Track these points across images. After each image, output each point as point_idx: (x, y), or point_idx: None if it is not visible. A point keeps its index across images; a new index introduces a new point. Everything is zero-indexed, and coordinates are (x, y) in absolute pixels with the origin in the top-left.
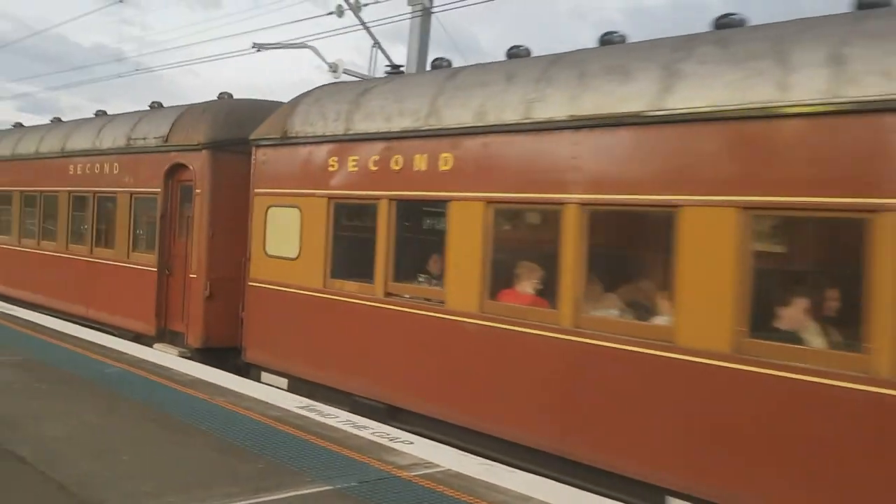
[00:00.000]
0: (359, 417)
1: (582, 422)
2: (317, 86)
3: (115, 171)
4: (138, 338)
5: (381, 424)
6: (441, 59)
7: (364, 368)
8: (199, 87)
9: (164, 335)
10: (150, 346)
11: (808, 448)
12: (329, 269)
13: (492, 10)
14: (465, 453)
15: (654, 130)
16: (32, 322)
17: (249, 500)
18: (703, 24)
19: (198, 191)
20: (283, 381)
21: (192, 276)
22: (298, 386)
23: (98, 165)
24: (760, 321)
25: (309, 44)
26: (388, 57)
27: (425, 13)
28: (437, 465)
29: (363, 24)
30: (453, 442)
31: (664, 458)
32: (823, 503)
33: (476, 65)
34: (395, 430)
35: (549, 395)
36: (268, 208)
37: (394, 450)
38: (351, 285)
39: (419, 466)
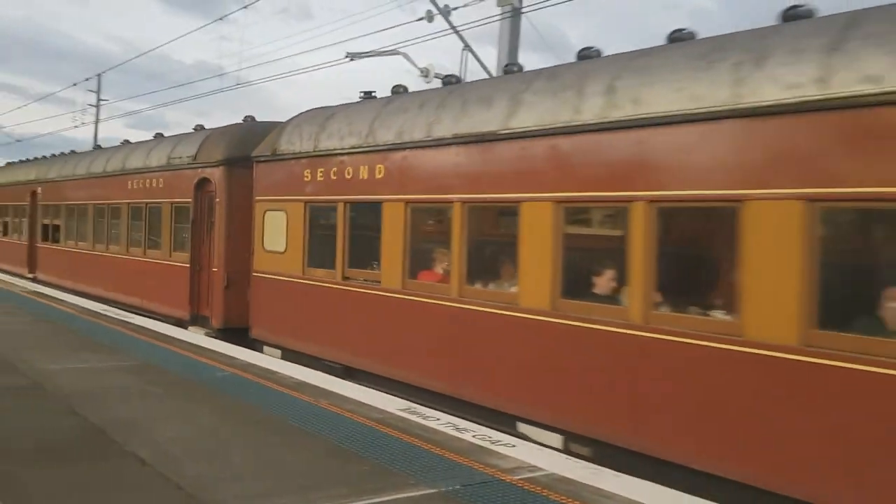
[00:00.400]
0: (460, 420)
1: (462, 368)
2: (300, 112)
3: (160, 185)
4: (179, 322)
5: (482, 427)
6: (398, 85)
7: (329, 338)
8: (293, 97)
9: (197, 319)
10: (186, 328)
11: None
12: (306, 259)
13: (582, 6)
14: (570, 456)
15: (504, 144)
16: (144, 327)
17: (358, 501)
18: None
19: (217, 199)
20: (278, 353)
21: (214, 270)
22: (288, 356)
23: (148, 181)
24: (574, 287)
25: (400, 50)
26: (478, 59)
27: (515, 14)
28: (541, 469)
29: (453, 27)
30: (381, 389)
31: (512, 393)
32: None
33: (405, 93)
34: (497, 432)
35: (441, 348)
36: (265, 212)
37: (496, 452)
38: (320, 272)
39: (522, 470)
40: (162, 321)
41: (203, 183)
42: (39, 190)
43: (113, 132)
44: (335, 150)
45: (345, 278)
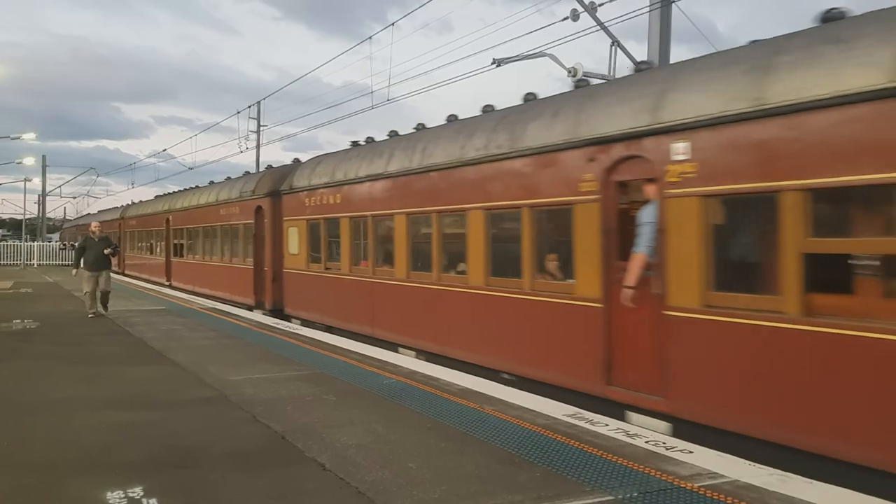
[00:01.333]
0: (629, 425)
1: (378, 318)
2: (308, 160)
3: (237, 212)
4: (249, 308)
5: (654, 432)
6: (370, 138)
7: (320, 308)
8: (437, 109)
9: (258, 304)
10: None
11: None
12: (307, 258)
13: None
14: (753, 463)
15: (433, 174)
16: (314, 339)
17: None
18: None
19: (266, 220)
20: (298, 322)
21: (265, 269)
22: (305, 323)
23: (229, 208)
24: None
25: (547, 52)
26: (627, 54)
27: (665, 4)
28: (723, 476)
29: (599, 23)
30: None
31: (404, 332)
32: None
33: (359, 147)
34: (672, 438)
35: (365, 307)
36: (287, 228)
37: (673, 459)
38: (314, 266)
39: (703, 477)
40: (237, 307)
41: (259, 209)
42: (170, 217)
43: (273, 155)
44: (319, 185)
45: (325, 269)
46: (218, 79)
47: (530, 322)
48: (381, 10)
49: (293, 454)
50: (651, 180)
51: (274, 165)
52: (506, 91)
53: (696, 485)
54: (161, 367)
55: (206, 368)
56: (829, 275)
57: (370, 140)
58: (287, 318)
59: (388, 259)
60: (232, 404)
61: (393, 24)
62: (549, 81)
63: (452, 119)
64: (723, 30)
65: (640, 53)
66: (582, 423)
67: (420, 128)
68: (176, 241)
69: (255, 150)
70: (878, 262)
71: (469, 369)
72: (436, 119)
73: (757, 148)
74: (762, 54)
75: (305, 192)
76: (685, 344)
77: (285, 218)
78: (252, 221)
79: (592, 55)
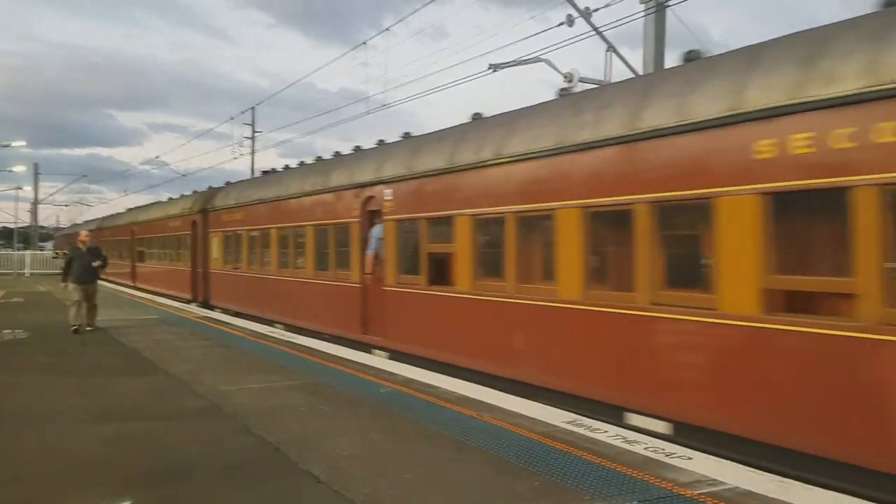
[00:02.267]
0: (629, 432)
1: (262, 303)
2: (227, 184)
3: (179, 224)
4: (188, 302)
5: (653, 439)
6: (287, 165)
7: (231, 298)
8: (432, 114)
9: (193, 299)
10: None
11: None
12: (223, 261)
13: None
14: (754, 469)
15: (291, 200)
16: (309, 347)
17: None
18: None
19: (199, 232)
20: (219, 310)
21: (199, 270)
22: (224, 311)
23: (175, 222)
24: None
25: (542, 57)
26: (623, 60)
27: (659, 9)
28: (723, 483)
29: (595, 28)
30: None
31: (279, 313)
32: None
33: (263, 176)
34: (671, 444)
35: (256, 296)
36: (212, 238)
37: (672, 466)
38: (227, 266)
39: (703, 484)
40: (180, 301)
41: (194, 223)
42: (135, 228)
43: (269, 162)
44: (229, 206)
45: (234, 269)
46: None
47: (325, 298)
48: (375, 16)
49: (287, 466)
50: (378, 211)
51: (269, 171)
52: (502, 96)
53: (696, 492)
54: (154, 377)
55: (199, 378)
56: (438, 265)
57: (282, 168)
58: (212, 308)
59: (266, 260)
60: (225, 415)
61: (387, 29)
62: (546, 87)
63: (317, 160)
64: (717, 36)
65: (636, 59)
66: (580, 430)
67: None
68: (139, 249)
69: (249, 157)
70: (444, 257)
71: (301, 332)
72: (428, 126)
73: (414, 193)
74: (414, 145)
75: (221, 211)
76: (389, 306)
77: (210, 230)
78: (190, 233)
79: (589, 61)
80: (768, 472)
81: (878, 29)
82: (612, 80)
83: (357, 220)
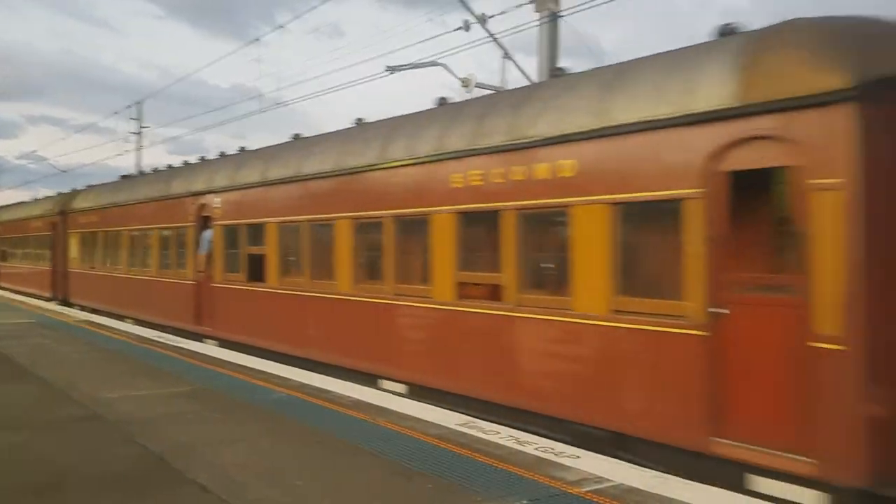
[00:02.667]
0: (521, 433)
1: (115, 299)
2: (85, 187)
3: (41, 225)
4: (48, 300)
5: (543, 439)
6: (133, 173)
7: (87, 295)
8: (328, 115)
9: (53, 297)
10: None
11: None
12: (80, 260)
13: (611, 10)
14: (636, 466)
15: (138, 205)
16: (198, 352)
17: None
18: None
19: (59, 232)
20: (78, 307)
21: (59, 269)
22: (83, 308)
23: (37, 222)
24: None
25: (439, 61)
26: (518, 66)
27: (553, 18)
28: (609, 480)
29: (491, 35)
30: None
31: (127, 307)
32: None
33: (120, 181)
34: (560, 444)
35: (109, 292)
36: (70, 238)
37: (561, 465)
38: (84, 265)
39: (589, 482)
40: (41, 299)
41: (54, 224)
42: None
43: (157, 158)
44: (85, 208)
45: (91, 268)
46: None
47: (166, 294)
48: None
49: (172, 476)
50: (210, 216)
51: (159, 169)
52: (400, 98)
53: (582, 490)
54: (27, 384)
55: (77, 385)
56: (255, 264)
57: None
58: (71, 305)
59: (118, 260)
60: (106, 424)
61: (282, 26)
62: (444, 90)
63: (168, 168)
64: (608, 46)
65: (531, 66)
66: (473, 432)
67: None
68: (2, 248)
69: (135, 153)
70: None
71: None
72: (323, 126)
73: (237, 202)
74: (239, 161)
75: (79, 213)
76: (217, 300)
77: (69, 231)
78: (50, 233)
79: (485, 67)
80: (650, 469)
81: (518, 101)
82: (508, 86)
83: (192, 224)
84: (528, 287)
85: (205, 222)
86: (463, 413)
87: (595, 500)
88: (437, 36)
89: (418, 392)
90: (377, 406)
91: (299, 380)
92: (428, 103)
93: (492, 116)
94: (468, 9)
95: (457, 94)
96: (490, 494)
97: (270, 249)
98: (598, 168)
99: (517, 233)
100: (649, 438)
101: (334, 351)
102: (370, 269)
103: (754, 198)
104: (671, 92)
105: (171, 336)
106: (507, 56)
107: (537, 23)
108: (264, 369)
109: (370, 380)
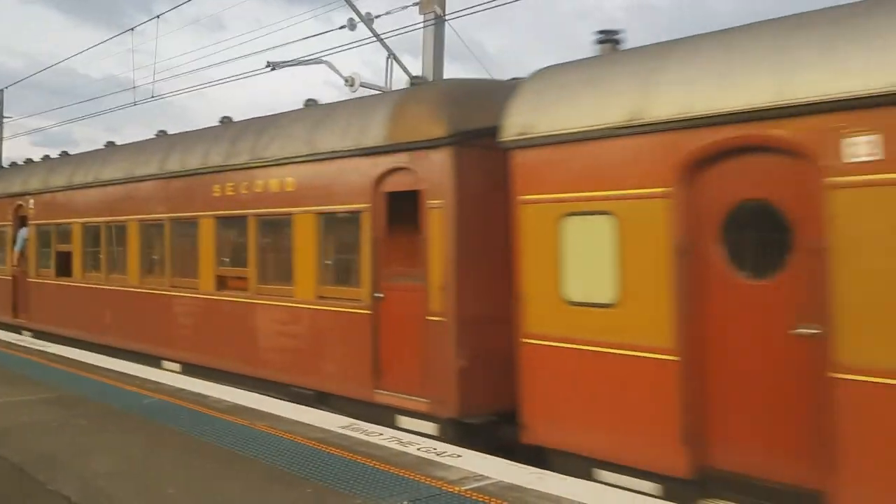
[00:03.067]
0: (403, 434)
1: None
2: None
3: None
4: None
5: (426, 440)
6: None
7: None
8: (206, 109)
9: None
10: None
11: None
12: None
13: (495, 16)
14: (515, 463)
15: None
16: (64, 357)
17: None
18: (704, 17)
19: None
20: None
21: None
22: None
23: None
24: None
25: (324, 59)
26: (403, 67)
27: (438, 21)
28: (488, 478)
29: (376, 35)
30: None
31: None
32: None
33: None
34: (442, 444)
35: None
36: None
37: (442, 464)
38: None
39: (469, 480)
40: None
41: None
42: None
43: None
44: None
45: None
46: None
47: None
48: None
49: (33, 488)
50: (26, 216)
51: (19, 162)
52: (285, 93)
53: (463, 488)
54: None
55: None
56: (64, 261)
57: None
58: None
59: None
60: None
61: (158, 16)
62: (328, 89)
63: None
64: (492, 51)
65: (416, 67)
66: (356, 435)
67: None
68: None
69: None
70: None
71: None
72: (202, 121)
73: (49, 204)
74: (51, 166)
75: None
76: (32, 293)
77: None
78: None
79: (371, 66)
80: (528, 465)
81: (260, 128)
82: (393, 87)
83: (10, 224)
84: (265, 279)
85: (22, 222)
86: (227, 386)
87: (476, 497)
88: (321, 33)
89: (190, 370)
90: (256, 410)
91: (173, 384)
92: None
93: (241, 139)
94: (353, 7)
95: (342, 93)
96: (371, 496)
97: (76, 247)
98: (309, 185)
99: (257, 235)
100: (340, 394)
101: (127, 337)
102: (153, 265)
103: (402, 211)
104: (353, 130)
105: (33, 339)
106: (392, 57)
107: (422, 25)
108: (136, 374)
109: (156, 361)
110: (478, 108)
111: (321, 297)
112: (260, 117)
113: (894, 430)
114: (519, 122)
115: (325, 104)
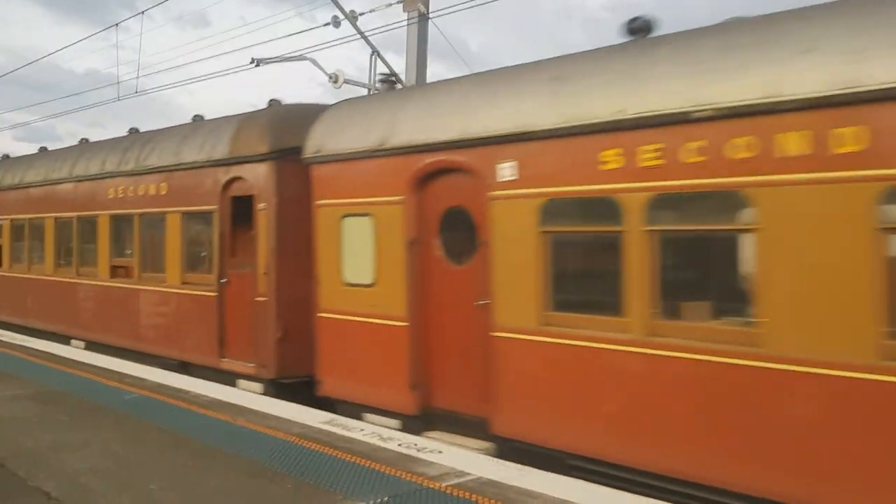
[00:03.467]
0: (384, 430)
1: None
2: None
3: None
4: None
5: (407, 435)
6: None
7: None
8: (193, 105)
9: None
10: None
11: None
12: None
13: (478, 14)
14: (497, 460)
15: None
16: (45, 352)
17: None
18: (685, 15)
19: None
20: None
21: None
22: None
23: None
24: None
25: (308, 56)
26: (387, 65)
27: (422, 19)
28: (469, 474)
29: (360, 32)
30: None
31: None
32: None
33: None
34: (423, 440)
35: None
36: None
37: (423, 460)
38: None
39: (450, 476)
40: None
41: None
42: None
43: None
44: None
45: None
46: None
47: None
48: None
49: (13, 484)
50: None
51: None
52: (269, 89)
53: (443, 484)
54: None
55: None
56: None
57: None
58: None
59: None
60: None
61: (143, 12)
62: (312, 86)
63: None
64: (475, 49)
65: (401, 65)
66: (337, 430)
67: None
68: None
69: None
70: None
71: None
72: (186, 117)
73: None
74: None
75: None
76: None
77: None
78: None
79: (354, 62)
80: (509, 461)
81: (145, 140)
82: (376, 84)
83: None
84: (146, 268)
85: None
86: (119, 359)
87: (456, 493)
88: (305, 31)
89: (92, 347)
90: (237, 405)
91: (155, 380)
92: (298, 96)
93: (131, 149)
94: (337, 5)
95: (327, 90)
96: (351, 492)
97: (5, 242)
98: (177, 190)
99: (141, 231)
100: (197, 363)
101: (45, 320)
102: (65, 257)
103: (243, 212)
104: (206, 146)
105: (13, 333)
106: (376, 54)
107: (406, 23)
108: (117, 369)
109: (66, 340)
110: (296, 131)
111: (185, 283)
112: (149, 131)
113: (521, 370)
114: (315, 143)
115: (191, 123)
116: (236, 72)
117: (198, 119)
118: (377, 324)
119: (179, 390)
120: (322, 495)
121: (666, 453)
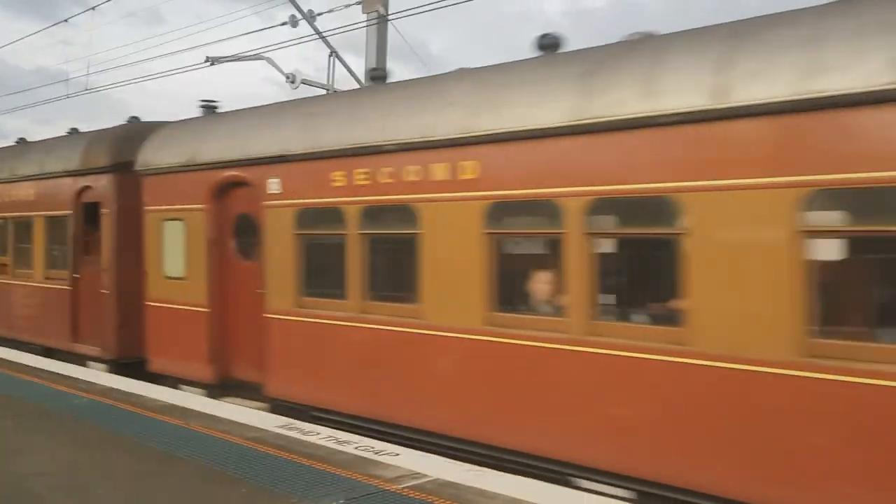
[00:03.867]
0: (341, 433)
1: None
2: None
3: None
4: None
5: (364, 438)
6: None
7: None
8: (147, 103)
9: None
10: None
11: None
12: None
13: (438, 17)
14: (453, 461)
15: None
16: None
17: None
18: (642, 23)
19: None
20: None
21: None
22: None
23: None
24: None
25: (264, 55)
26: (345, 65)
27: (381, 20)
28: (425, 475)
29: (318, 32)
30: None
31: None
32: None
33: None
34: (380, 443)
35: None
36: None
37: (380, 463)
38: None
39: (407, 478)
40: None
41: None
42: None
43: None
44: None
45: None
46: None
47: None
48: None
49: None
50: None
51: None
52: (224, 88)
53: (400, 486)
54: None
55: None
56: None
57: None
58: None
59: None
60: None
61: (93, 8)
62: (268, 85)
63: None
64: (436, 51)
65: (359, 66)
66: (293, 434)
67: None
68: None
69: None
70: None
71: None
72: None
73: None
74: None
75: None
76: None
77: None
78: None
79: (316, 63)
80: (465, 462)
81: (48, 148)
82: (336, 85)
83: None
84: (19, 266)
85: None
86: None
87: (413, 495)
88: (262, 29)
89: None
90: (190, 410)
91: (105, 384)
92: (257, 96)
93: (13, 158)
94: (295, 4)
95: (283, 90)
96: (307, 494)
97: None
98: (42, 196)
99: (15, 232)
100: (57, 348)
101: None
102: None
103: (92, 216)
104: (63, 158)
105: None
106: (334, 55)
107: (365, 24)
108: (67, 373)
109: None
110: (135, 147)
111: (47, 278)
112: (32, 141)
113: (282, 343)
114: (144, 158)
115: (61, 136)
116: (191, 70)
117: (133, 120)
118: (187, 310)
119: (130, 394)
120: (277, 499)
121: (375, 403)
